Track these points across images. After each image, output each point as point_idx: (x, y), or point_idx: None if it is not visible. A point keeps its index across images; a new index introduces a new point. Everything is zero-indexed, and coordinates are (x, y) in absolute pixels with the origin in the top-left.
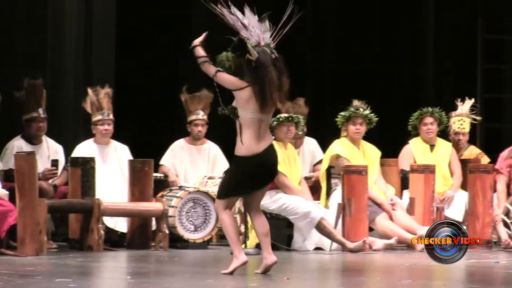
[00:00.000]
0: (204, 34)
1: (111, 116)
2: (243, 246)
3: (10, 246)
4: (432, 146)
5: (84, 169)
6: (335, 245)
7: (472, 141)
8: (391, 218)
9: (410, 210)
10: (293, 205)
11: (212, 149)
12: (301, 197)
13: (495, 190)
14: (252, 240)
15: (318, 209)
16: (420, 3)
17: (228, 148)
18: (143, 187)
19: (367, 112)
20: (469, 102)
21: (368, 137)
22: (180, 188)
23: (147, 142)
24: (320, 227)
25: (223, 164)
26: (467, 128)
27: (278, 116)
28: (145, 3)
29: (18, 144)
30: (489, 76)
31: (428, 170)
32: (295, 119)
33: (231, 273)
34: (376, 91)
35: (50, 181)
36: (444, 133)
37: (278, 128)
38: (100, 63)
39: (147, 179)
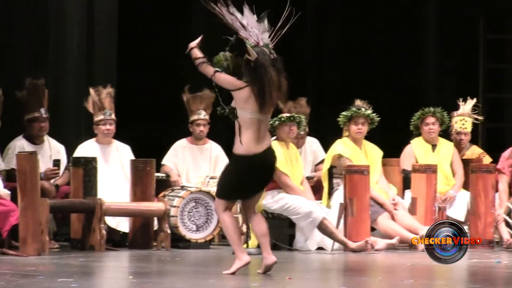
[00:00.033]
0: (199, 38)
1: (113, 116)
2: (244, 246)
3: (12, 246)
4: (434, 146)
5: (86, 169)
6: (337, 245)
7: (474, 141)
8: (393, 218)
9: (412, 210)
10: (295, 205)
11: (214, 149)
12: (303, 197)
13: (497, 190)
14: (254, 240)
15: (320, 209)
16: (422, 2)
17: (230, 148)
18: (145, 187)
19: (369, 112)
20: (471, 102)
21: (370, 137)
22: (182, 188)
23: (149, 142)
24: (322, 227)
25: (225, 164)
26: (469, 128)
27: (280, 115)
28: (147, 2)
29: (20, 144)
30: (491, 75)
31: (430, 170)
32: (297, 118)
33: (233, 273)
34: (378, 90)
35: (52, 181)
36: (446, 133)
37: (280, 128)
38: (102, 63)
39: (149, 179)
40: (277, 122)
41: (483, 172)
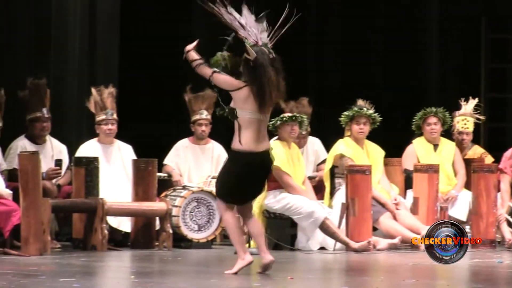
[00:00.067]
0: (196, 41)
1: (114, 116)
2: (247, 245)
3: (14, 246)
4: (435, 146)
5: (88, 168)
6: (339, 244)
7: (476, 140)
8: (395, 218)
9: (414, 209)
10: (297, 204)
11: (215, 148)
12: (305, 197)
13: (499, 190)
14: None
15: (322, 208)
16: (424, 2)
17: (230, 147)
18: (146, 187)
19: (370, 111)
20: (473, 102)
21: (371, 137)
22: (184, 187)
23: (150, 141)
24: (324, 227)
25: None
26: (471, 127)
27: (281, 115)
28: (148, 2)
29: (22, 144)
30: (493, 75)
31: (432, 169)
32: (299, 118)
33: (236, 273)
34: (378, 90)
35: (54, 180)
36: (448, 133)
37: (282, 127)
38: (104, 63)
39: (150, 179)
40: (279, 122)
41: (485, 172)
